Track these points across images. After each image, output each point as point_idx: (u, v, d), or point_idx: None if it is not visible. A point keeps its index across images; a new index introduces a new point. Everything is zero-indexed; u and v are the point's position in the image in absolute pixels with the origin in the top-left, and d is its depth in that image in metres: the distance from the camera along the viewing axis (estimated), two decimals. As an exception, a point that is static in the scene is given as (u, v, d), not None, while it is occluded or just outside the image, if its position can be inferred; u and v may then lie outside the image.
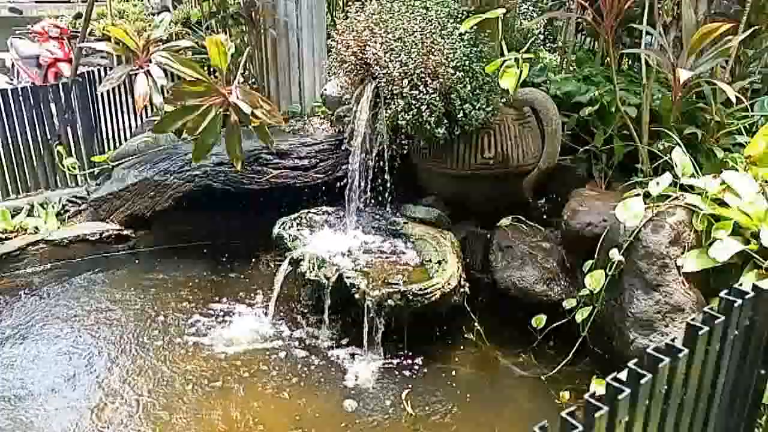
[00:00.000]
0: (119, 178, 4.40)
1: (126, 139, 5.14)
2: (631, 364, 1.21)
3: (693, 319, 1.38)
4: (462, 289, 3.27)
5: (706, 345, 1.38)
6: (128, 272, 4.11)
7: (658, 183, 2.93)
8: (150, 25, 5.65)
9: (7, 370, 3.07)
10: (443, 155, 3.58)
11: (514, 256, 3.42)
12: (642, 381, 1.19)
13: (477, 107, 3.38)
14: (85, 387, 2.95)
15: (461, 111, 3.36)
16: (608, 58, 3.77)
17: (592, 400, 1.10)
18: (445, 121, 3.43)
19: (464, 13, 3.53)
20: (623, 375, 1.21)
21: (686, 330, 1.36)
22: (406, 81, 3.36)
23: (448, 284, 3.13)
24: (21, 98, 4.48)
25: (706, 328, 1.36)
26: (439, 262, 3.34)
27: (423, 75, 3.35)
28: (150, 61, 4.20)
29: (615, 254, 2.89)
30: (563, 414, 1.08)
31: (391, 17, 3.55)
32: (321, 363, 3.16)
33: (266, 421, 2.76)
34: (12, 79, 7.96)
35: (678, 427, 1.39)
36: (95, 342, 3.32)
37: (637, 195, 2.96)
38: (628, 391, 1.15)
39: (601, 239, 3.05)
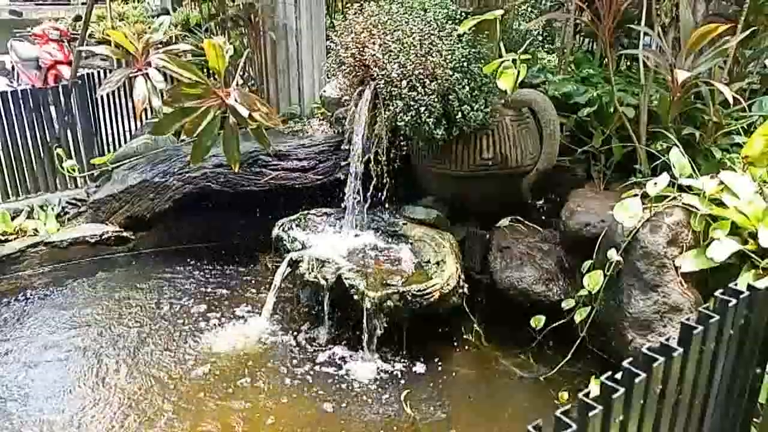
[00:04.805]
0: (119, 180, 4.41)
1: (125, 141, 5.14)
2: (625, 363, 1.22)
3: (688, 319, 1.38)
4: (461, 290, 3.27)
5: (700, 344, 1.38)
6: (127, 274, 4.11)
7: (656, 183, 2.94)
8: (150, 28, 5.66)
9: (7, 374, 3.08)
10: (442, 156, 3.58)
11: (513, 257, 3.42)
12: (636, 380, 1.19)
13: (475, 108, 3.38)
14: (74, 386, 2.97)
15: (460, 112, 3.36)
16: (606, 59, 3.77)
17: (586, 399, 1.10)
18: (444, 122, 3.43)
19: (463, 14, 3.53)
20: (619, 375, 1.21)
21: (681, 329, 1.36)
22: (404, 82, 3.37)
23: (447, 285, 3.14)
24: (21, 101, 4.49)
25: (701, 328, 1.36)
26: (438, 263, 3.34)
27: (421, 76, 3.35)
28: (149, 64, 4.21)
29: (613, 255, 2.89)
30: (557, 413, 1.08)
31: (389, 19, 3.56)
32: (320, 364, 3.17)
33: (266, 422, 2.76)
34: (12, 82, 7.98)
35: (673, 426, 1.39)
36: (90, 343, 3.32)
37: (635, 195, 2.96)
38: (622, 390, 1.15)
39: (599, 240, 3.06)
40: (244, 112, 3.50)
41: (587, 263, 3.09)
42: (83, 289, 3.92)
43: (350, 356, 3.22)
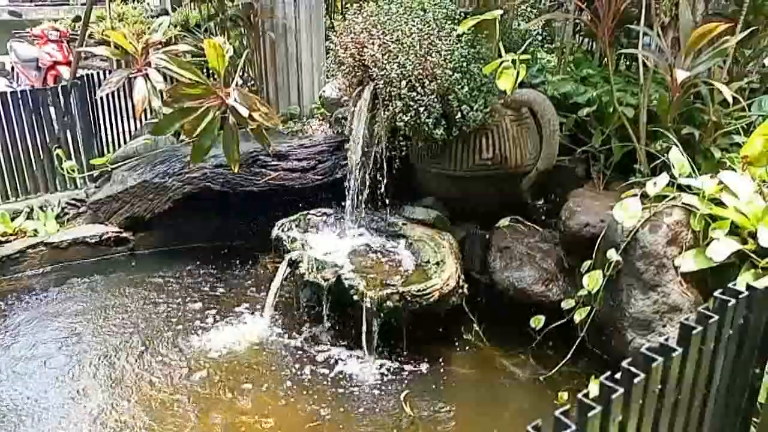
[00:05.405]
0: (118, 181, 4.41)
1: (125, 142, 5.15)
2: (624, 363, 1.22)
3: (687, 319, 1.38)
4: (461, 290, 3.27)
5: (699, 344, 1.38)
6: (127, 274, 4.11)
7: (655, 183, 2.93)
8: (149, 28, 5.66)
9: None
10: (441, 156, 3.58)
11: (512, 257, 3.42)
12: (635, 380, 1.19)
13: (475, 108, 3.38)
14: (69, 383, 2.97)
15: (459, 112, 3.36)
16: (606, 59, 3.77)
17: (586, 400, 1.10)
18: (443, 122, 3.43)
19: (462, 14, 3.53)
20: (618, 375, 1.21)
21: (680, 329, 1.36)
22: (404, 82, 3.37)
23: (447, 285, 3.14)
24: (20, 101, 4.49)
25: (700, 328, 1.36)
26: (438, 263, 3.34)
27: (421, 76, 3.35)
28: (149, 65, 4.21)
29: (613, 254, 2.89)
30: (557, 413, 1.08)
31: (388, 19, 3.56)
32: (319, 365, 3.16)
33: (265, 424, 2.76)
34: (11, 82, 7.98)
35: (672, 426, 1.39)
36: (89, 344, 3.32)
37: (635, 195, 2.96)
38: (621, 390, 1.15)
39: (599, 240, 3.05)
40: (244, 112, 3.50)
41: (587, 263, 3.09)
42: (82, 289, 3.91)
43: (350, 356, 3.22)
